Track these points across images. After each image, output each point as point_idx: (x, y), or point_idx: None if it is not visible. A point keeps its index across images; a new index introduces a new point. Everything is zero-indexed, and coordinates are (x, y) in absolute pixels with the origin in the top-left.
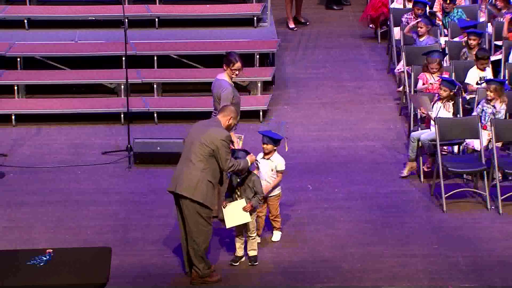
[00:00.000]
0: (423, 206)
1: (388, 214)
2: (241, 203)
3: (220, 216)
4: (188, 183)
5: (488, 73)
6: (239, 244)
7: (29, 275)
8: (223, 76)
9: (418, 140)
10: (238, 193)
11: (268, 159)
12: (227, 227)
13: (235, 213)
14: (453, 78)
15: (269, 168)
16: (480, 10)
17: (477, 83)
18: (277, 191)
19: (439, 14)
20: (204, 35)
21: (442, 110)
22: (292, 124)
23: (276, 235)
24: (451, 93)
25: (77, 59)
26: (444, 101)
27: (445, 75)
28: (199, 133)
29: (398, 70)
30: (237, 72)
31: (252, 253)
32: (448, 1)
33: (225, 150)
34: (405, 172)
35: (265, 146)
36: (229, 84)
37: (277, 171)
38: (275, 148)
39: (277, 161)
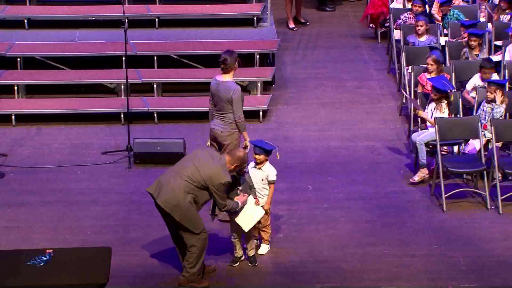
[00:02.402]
0: (423, 206)
1: (388, 214)
2: (250, 200)
3: (220, 216)
4: (170, 198)
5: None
6: (238, 245)
7: (29, 275)
8: (227, 78)
9: (426, 143)
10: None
11: (259, 168)
12: (246, 230)
13: (248, 214)
14: (449, 80)
15: (259, 178)
16: (480, 10)
17: (481, 87)
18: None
19: (437, 16)
20: (204, 35)
21: (435, 111)
22: (292, 124)
23: (263, 248)
24: (442, 96)
25: (77, 59)
26: (436, 102)
27: (446, 76)
28: (202, 162)
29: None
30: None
31: (251, 253)
32: (440, 5)
33: (222, 194)
34: (416, 179)
35: (257, 156)
36: (237, 84)
37: (268, 181)
38: (266, 158)
39: (268, 171)
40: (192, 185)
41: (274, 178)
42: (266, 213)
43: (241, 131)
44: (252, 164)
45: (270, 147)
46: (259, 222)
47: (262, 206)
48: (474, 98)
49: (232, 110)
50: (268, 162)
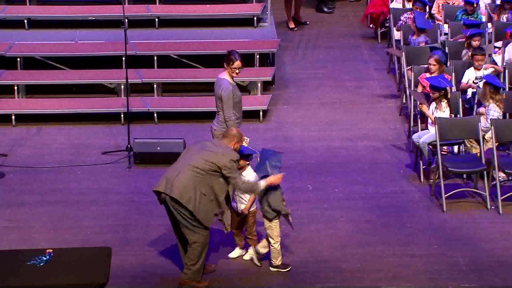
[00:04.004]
0: (423, 206)
1: (388, 214)
2: None
3: (222, 217)
4: (184, 190)
5: (487, 73)
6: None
7: (29, 275)
8: (224, 75)
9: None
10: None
11: (240, 174)
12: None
13: None
14: (450, 80)
15: None
16: (480, 10)
17: (474, 83)
18: (251, 208)
19: (438, 16)
20: (204, 35)
21: (436, 111)
22: (292, 124)
23: (249, 254)
24: (441, 94)
25: (77, 59)
26: (436, 102)
27: (446, 77)
28: (205, 150)
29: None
30: (237, 71)
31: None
32: (471, 4)
33: (235, 173)
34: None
35: None
36: (229, 83)
37: None
38: (247, 163)
39: (249, 176)
40: (202, 174)
41: None
42: (250, 217)
43: None
44: None
45: (247, 151)
46: (240, 230)
47: (241, 211)
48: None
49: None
50: (249, 167)
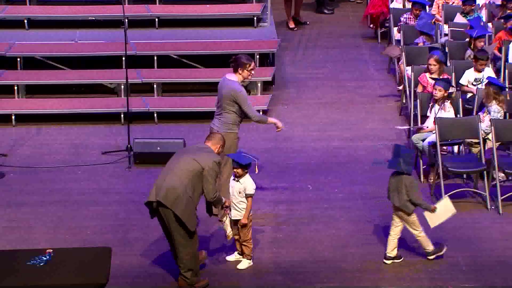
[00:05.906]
0: None
1: (388, 214)
2: (446, 201)
3: (221, 218)
4: (169, 193)
5: (486, 74)
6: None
7: (29, 275)
8: (235, 78)
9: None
10: None
11: (238, 181)
12: (432, 226)
13: (440, 212)
14: (450, 80)
15: (237, 190)
16: (480, 10)
17: (472, 84)
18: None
19: (438, 16)
20: (204, 35)
21: (441, 112)
22: (292, 124)
23: (243, 263)
24: (446, 93)
25: (77, 59)
26: (440, 102)
27: (447, 77)
28: (194, 152)
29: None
30: (253, 72)
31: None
32: (462, 3)
33: (214, 177)
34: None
35: (235, 170)
36: (240, 85)
37: (246, 195)
38: (246, 171)
39: (246, 184)
40: (190, 176)
41: (252, 191)
42: (245, 227)
43: (265, 122)
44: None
45: (245, 161)
46: (239, 236)
47: (240, 221)
48: (475, 87)
49: (234, 111)
50: (247, 174)
